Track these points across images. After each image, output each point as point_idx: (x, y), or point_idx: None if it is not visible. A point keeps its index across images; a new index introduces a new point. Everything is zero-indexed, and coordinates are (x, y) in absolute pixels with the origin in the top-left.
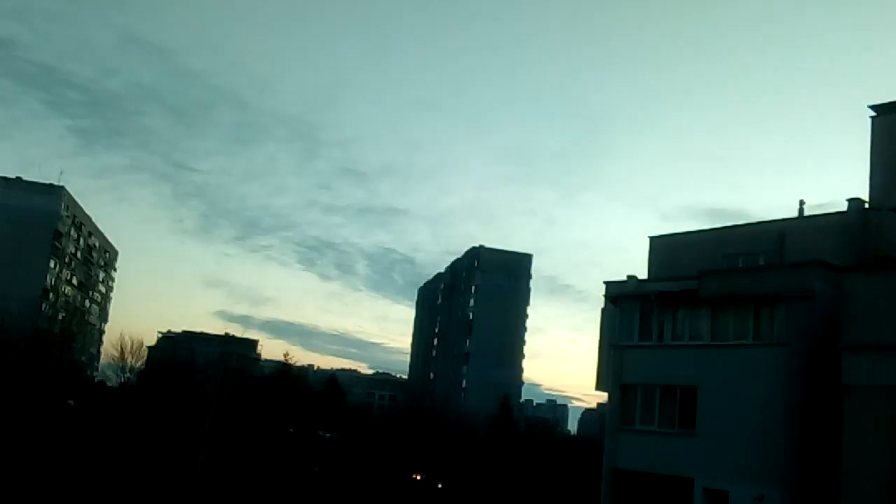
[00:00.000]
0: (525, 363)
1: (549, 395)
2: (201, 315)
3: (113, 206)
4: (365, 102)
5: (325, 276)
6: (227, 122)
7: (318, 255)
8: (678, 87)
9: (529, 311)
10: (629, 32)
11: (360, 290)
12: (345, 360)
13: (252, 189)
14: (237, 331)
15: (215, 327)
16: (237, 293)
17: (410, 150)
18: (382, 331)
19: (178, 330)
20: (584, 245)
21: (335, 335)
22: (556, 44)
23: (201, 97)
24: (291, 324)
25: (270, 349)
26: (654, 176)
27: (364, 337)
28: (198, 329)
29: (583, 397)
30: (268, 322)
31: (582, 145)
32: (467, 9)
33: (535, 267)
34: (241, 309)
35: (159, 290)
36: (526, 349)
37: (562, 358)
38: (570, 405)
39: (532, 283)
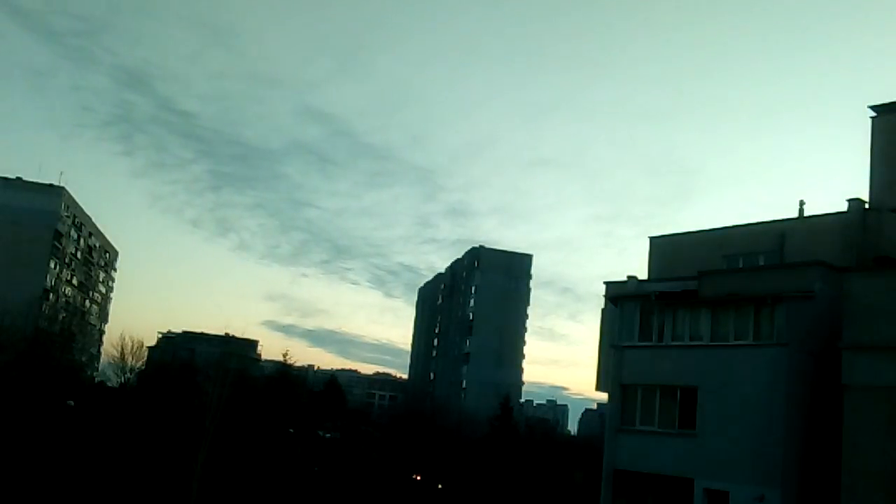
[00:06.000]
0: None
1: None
2: (247, 323)
3: (218, 234)
4: (489, 157)
5: (388, 294)
6: (365, 169)
7: (394, 277)
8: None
9: (565, 319)
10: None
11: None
12: (379, 366)
13: (360, 223)
14: (280, 339)
15: (259, 335)
16: (292, 306)
17: (518, 196)
18: None
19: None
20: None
21: (376, 344)
22: (659, 111)
23: (350, 150)
24: (335, 333)
25: (271, 350)
26: (721, 220)
27: (405, 347)
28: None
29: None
30: (311, 331)
31: (667, 194)
32: (586, 80)
33: (593, 289)
34: (290, 319)
35: (217, 301)
36: (566, 357)
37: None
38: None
39: (583, 300)
